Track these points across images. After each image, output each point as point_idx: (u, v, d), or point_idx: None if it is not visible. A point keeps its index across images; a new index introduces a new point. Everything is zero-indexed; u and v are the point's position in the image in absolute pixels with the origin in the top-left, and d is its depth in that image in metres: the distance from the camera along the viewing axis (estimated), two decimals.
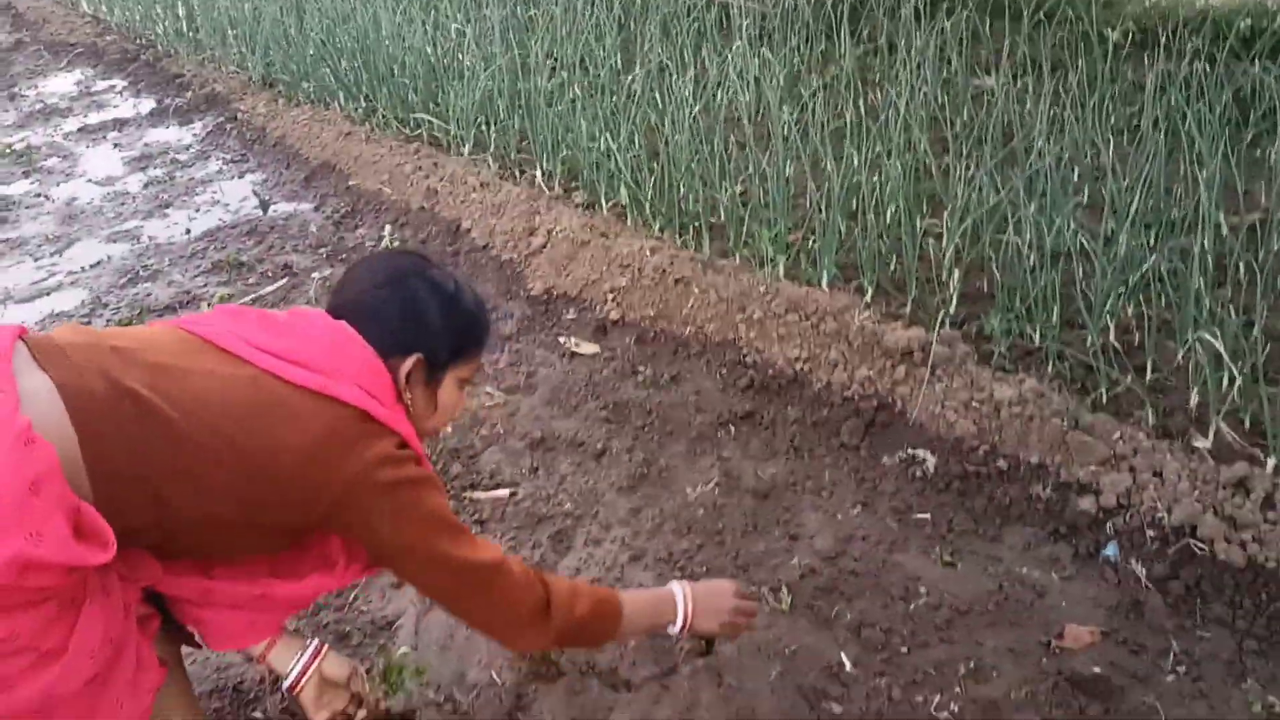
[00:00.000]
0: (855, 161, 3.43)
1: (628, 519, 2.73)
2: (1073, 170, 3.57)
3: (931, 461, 2.68)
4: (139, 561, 1.55)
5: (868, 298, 3.19)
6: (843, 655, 2.23)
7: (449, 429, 2.95)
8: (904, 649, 2.22)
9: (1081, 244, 2.97)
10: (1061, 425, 2.54)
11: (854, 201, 3.40)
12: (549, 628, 1.70)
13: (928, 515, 2.57)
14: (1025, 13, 4.41)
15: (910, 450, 2.73)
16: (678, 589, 1.93)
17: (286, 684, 1.86)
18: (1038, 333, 2.90)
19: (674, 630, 1.93)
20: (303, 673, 1.85)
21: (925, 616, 2.29)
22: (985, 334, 2.97)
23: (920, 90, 3.95)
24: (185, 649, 1.86)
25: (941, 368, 2.80)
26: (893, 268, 3.32)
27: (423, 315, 1.69)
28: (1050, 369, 2.80)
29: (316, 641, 1.91)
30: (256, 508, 1.52)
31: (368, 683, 2.03)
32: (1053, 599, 2.29)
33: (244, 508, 1.51)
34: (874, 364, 2.91)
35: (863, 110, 4.25)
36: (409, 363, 1.66)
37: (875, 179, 3.41)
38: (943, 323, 2.91)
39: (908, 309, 3.13)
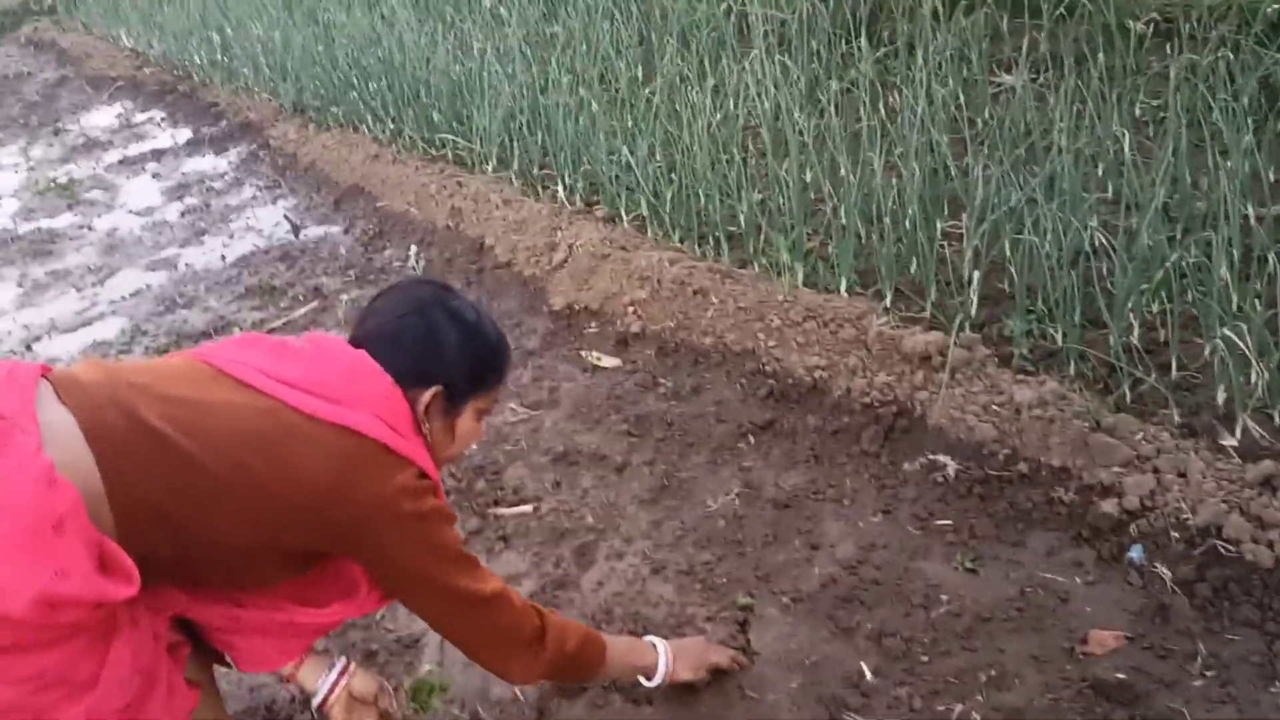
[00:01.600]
0: (874, 165, 3.41)
1: (649, 531, 2.73)
2: (1096, 166, 3.52)
3: (952, 467, 2.65)
4: (164, 593, 1.60)
5: (886, 303, 3.17)
6: (863, 665, 2.21)
7: (473, 446, 2.98)
8: (925, 657, 2.20)
9: (1102, 241, 2.93)
10: (1083, 427, 2.51)
11: (872, 206, 3.38)
12: (542, 658, 1.76)
13: (949, 521, 2.55)
14: (1045, 8, 4.36)
15: (931, 456, 2.70)
16: (658, 642, 2.08)
17: (316, 701, 1.91)
18: (1059, 333, 2.86)
19: (656, 681, 2.06)
20: (331, 690, 1.90)
21: (947, 624, 2.27)
22: (1006, 336, 2.94)
23: (939, 91, 3.92)
24: (217, 668, 1.90)
25: (961, 371, 2.77)
26: (912, 272, 3.29)
27: (443, 346, 1.71)
28: (1072, 370, 2.76)
29: (344, 659, 1.96)
30: (275, 536, 1.56)
31: (394, 700, 2.05)
32: (1076, 604, 2.26)
33: (262, 537, 1.55)
34: (893, 370, 2.89)
35: (882, 113, 4.22)
36: (428, 395, 1.68)
37: (894, 182, 3.39)
38: (962, 326, 2.88)
39: (927, 313, 3.10)
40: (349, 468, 1.54)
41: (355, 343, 1.71)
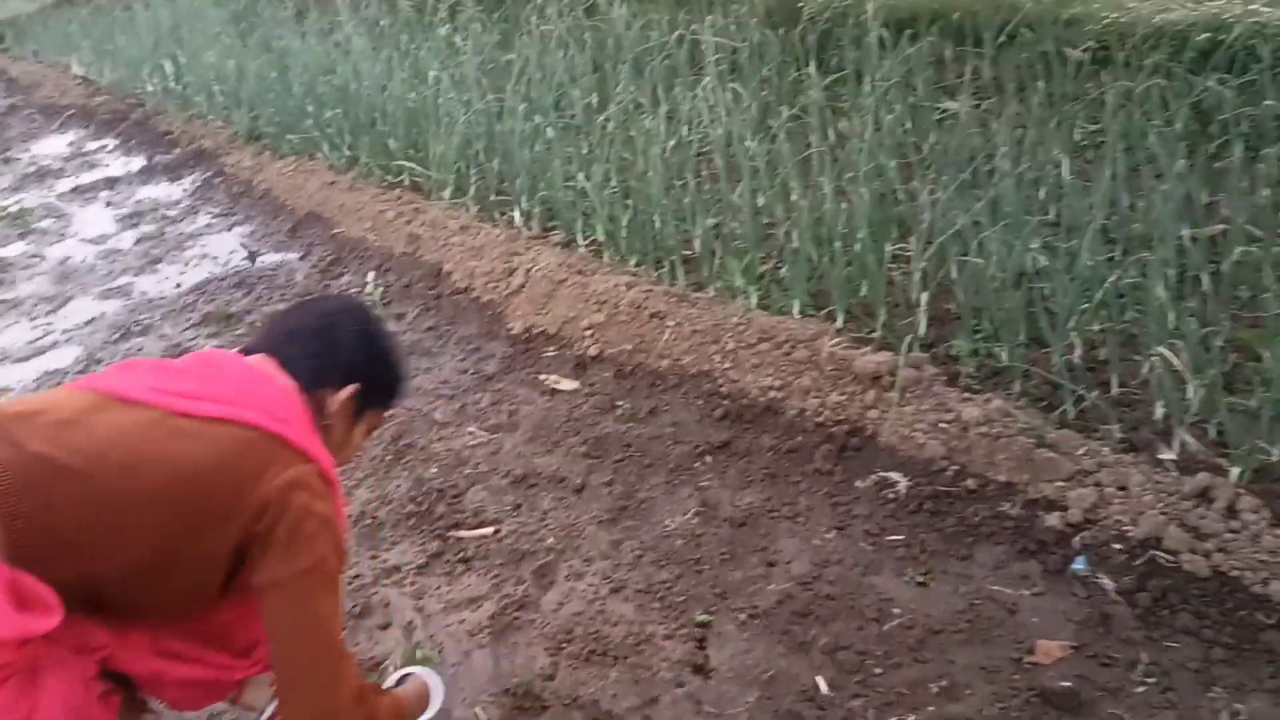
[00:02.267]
0: (824, 190, 3.49)
1: (609, 552, 2.77)
2: (1037, 189, 3.63)
3: (903, 484, 2.72)
4: (87, 631, 1.56)
5: (838, 324, 3.24)
6: (818, 679, 2.26)
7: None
8: (878, 670, 2.26)
9: (1044, 262, 3.02)
10: (1028, 443, 2.59)
11: (823, 230, 3.46)
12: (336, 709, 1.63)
13: (901, 537, 2.61)
14: (987, 36, 4.49)
15: (882, 473, 2.77)
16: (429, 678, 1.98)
17: (264, 718, 1.90)
18: (1004, 352, 2.95)
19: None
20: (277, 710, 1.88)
21: (899, 637, 2.33)
22: (953, 355, 3.02)
23: (887, 117, 4.02)
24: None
25: (910, 390, 2.85)
26: (863, 293, 3.38)
27: (358, 352, 1.77)
28: (1017, 388, 2.85)
29: None
30: (175, 540, 1.52)
31: None
32: (1023, 615, 2.33)
33: (163, 543, 1.51)
34: (845, 389, 2.96)
35: (832, 138, 4.32)
36: (346, 392, 1.73)
37: (844, 206, 3.47)
38: (911, 346, 2.96)
39: (877, 334, 3.18)
40: (237, 454, 1.54)
41: (260, 347, 1.74)
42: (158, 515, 1.50)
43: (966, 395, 2.82)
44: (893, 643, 2.31)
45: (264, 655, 1.76)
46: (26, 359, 4.67)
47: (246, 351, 1.76)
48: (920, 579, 2.48)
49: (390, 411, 1.93)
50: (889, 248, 3.53)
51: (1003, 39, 4.50)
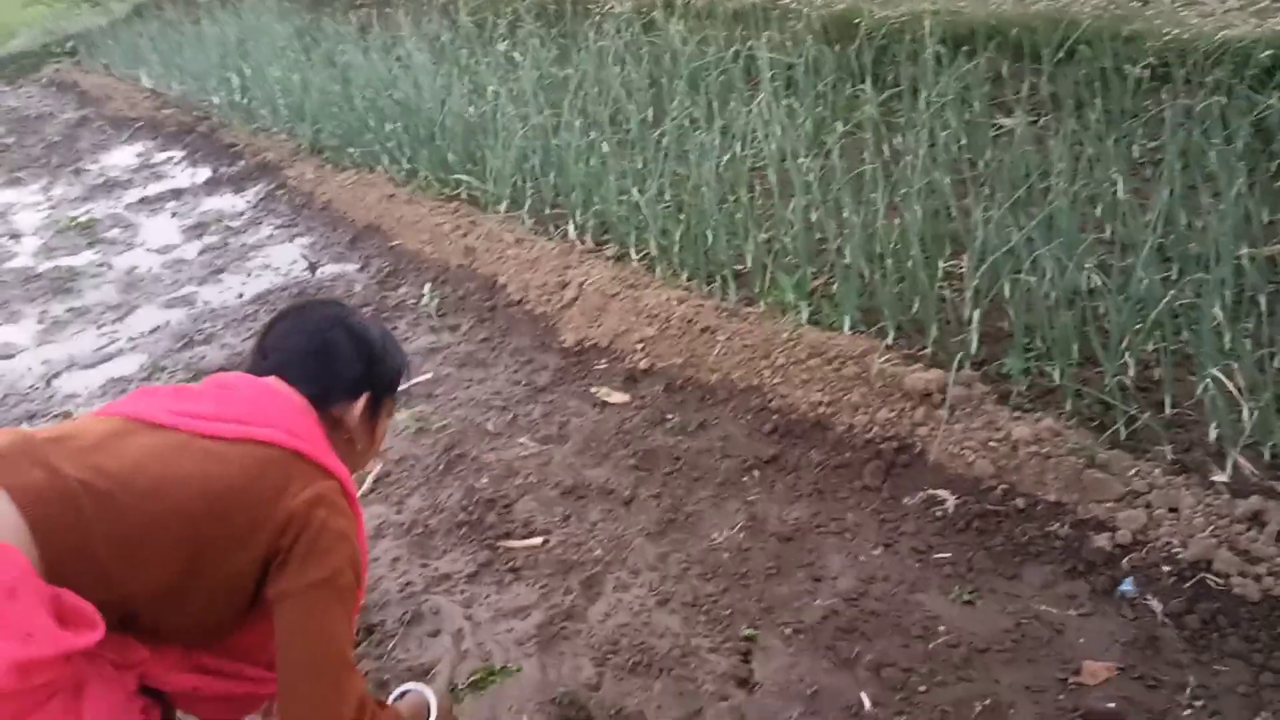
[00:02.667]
0: (877, 206, 3.50)
1: (656, 564, 2.80)
2: (1093, 207, 3.61)
3: (951, 501, 2.72)
4: (126, 645, 1.59)
5: (888, 341, 3.25)
6: (863, 695, 2.27)
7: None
8: (923, 688, 2.26)
9: (1099, 281, 3.01)
10: (1078, 463, 2.58)
11: (875, 246, 3.47)
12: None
13: (948, 554, 2.61)
14: (1045, 52, 4.47)
15: (930, 491, 2.78)
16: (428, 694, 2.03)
17: None
18: (1056, 371, 2.94)
19: None
20: None
21: (944, 655, 2.33)
22: (1004, 374, 3.01)
23: (942, 133, 4.02)
24: None
25: (960, 408, 2.85)
26: (914, 310, 3.38)
27: (359, 363, 1.84)
28: (1068, 407, 2.83)
29: None
30: (203, 559, 1.56)
31: None
32: (1070, 636, 2.32)
33: (192, 563, 1.55)
34: (894, 406, 2.97)
35: (886, 155, 4.33)
36: (360, 402, 1.82)
37: (896, 223, 3.48)
38: (962, 364, 2.96)
39: (928, 351, 3.18)
40: (260, 473, 1.59)
41: (265, 370, 1.80)
42: (186, 535, 1.54)
43: (1017, 414, 2.82)
44: (938, 660, 2.32)
45: None
46: (93, 366, 4.81)
47: (253, 373, 1.82)
48: (967, 597, 2.48)
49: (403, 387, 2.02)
50: (941, 264, 3.53)
51: (1060, 55, 4.48)
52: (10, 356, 5.11)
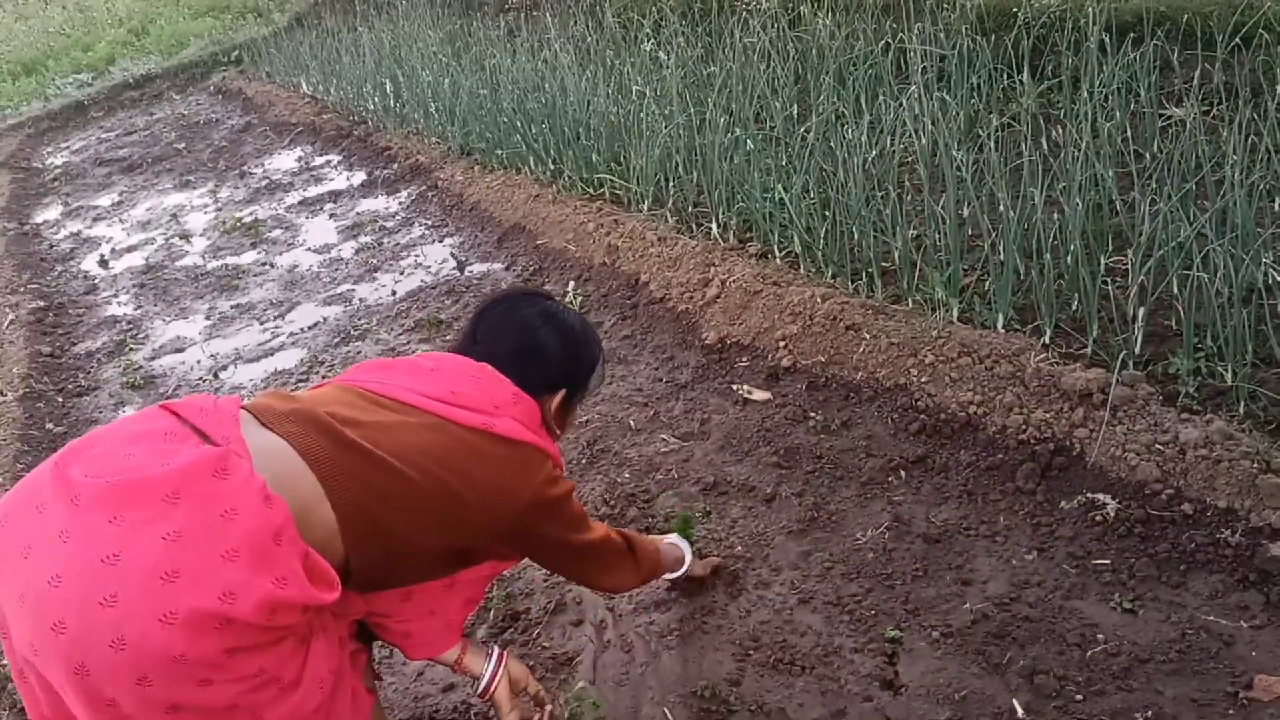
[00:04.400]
0: (1034, 200, 3.36)
1: (797, 562, 2.75)
2: (1271, 200, 3.39)
3: (1112, 506, 2.58)
4: (346, 601, 1.75)
5: (1045, 339, 3.11)
6: (1015, 701, 2.18)
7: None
8: (1079, 697, 2.16)
9: (1277, 278, 2.82)
10: (1252, 468, 2.41)
11: (1032, 242, 3.33)
12: (636, 571, 2.19)
13: (1107, 561, 2.48)
14: (1219, 38, 4.22)
15: (1089, 495, 2.64)
16: (674, 539, 2.59)
17: (481, 685, 2.09)
18: (1229, 371, 2.76)
19: (683, 570, 2.56)
20: (495, 673, 2.10)
21: (1102, 664, 2.21)
22: (1171, 374, 2.85)
23: (1105, 124, 3.84)
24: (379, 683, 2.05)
25: (1123, 409, 2.70)
26: (1073, 308, 3.23)
27: (566, 362, 2.02)
28: (1241, 409, 2.66)
29: (499, 649, 2.15)
30: (456, 534, 1.77)
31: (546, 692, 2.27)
32: (1241, 648, 2.17)
33: (448, 535, 1.76)
34: (1051, 407, 2.84)
35: (1044, 147, 4.16)
36: (557, 398, 2.00)
37: (1055, 217, 3.33)
38: (1125, 363, 2.81)
39: (1088, 350, 3.03)
40: (512, 471, 1.79)
41: (475, 356, 1.94)
42: (453, 518, 1.73)
43: (1185, 415, 2.66)
44: (1096, 669, 2.20)
45: (493, 565, 2.03)
46: (257, 359, 5.04)
47: (463, 354, 1.97)
48: (1128, 605, 2.35)
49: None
50: (1103, 260, 3.37)
51: (1236, 41, 4.22)
52: (181, 350, 5.40)
